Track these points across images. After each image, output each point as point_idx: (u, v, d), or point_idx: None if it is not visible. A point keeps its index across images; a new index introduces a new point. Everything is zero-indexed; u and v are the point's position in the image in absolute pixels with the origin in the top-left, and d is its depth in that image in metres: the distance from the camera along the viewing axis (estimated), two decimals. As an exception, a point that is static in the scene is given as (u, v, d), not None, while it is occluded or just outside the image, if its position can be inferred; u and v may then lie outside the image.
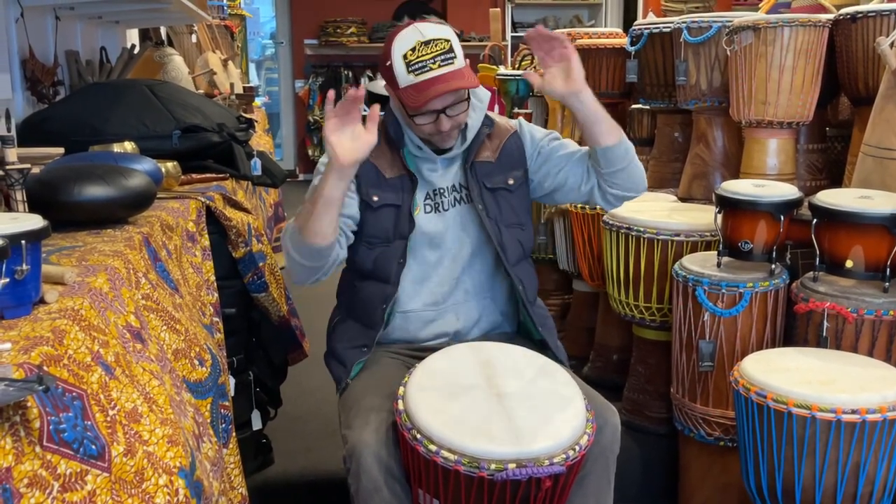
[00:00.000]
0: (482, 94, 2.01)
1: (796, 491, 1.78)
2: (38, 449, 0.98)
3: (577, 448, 1.57)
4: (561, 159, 2.01)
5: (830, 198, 2.03)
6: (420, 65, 1.80)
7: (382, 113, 1.86)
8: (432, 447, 1.54)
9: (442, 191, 1.98)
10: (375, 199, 1.95)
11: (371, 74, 9.56)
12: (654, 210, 2.61)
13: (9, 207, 1.61)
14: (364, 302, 1.98)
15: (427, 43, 1.80)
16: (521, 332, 2.10)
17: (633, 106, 3.51)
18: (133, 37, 4.57)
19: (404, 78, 1.82)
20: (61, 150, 1.94)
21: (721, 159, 2.79)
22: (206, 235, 2.11)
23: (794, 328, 2.13)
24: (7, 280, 1.12)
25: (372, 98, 9.93)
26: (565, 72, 1.84)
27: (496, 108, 4.60)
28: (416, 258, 1.98)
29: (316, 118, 9.70)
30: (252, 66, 9.57)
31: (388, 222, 1.96)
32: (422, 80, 1.80)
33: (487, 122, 2.00)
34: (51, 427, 1.02)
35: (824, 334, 1.97)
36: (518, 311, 2.08)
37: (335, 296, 2.16)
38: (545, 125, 4.52)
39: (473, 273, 2.02)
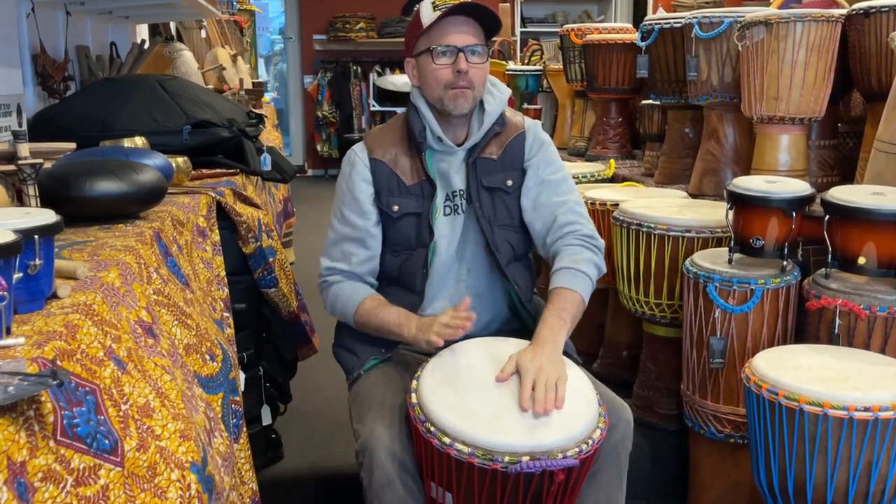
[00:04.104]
0: (502, 87, 2.01)
1: (808, 489, 1.77)
2: (51, 443, 0.98)
3: (591, 442, 1.57)
4: (540, 205, 1.99)
5: (843, 194, 2.02)
6: (445, 3, 1.87)
7: (400, 109, 1.88)
8: (446, 440, 1.55)
9: (461, 192, 1.98)
10: (396, 208, 1.96)
11: (380, 70, 9.57)
12: (665, 206, 2.60)
13: (21, 202, 1.61)
14: None
15: None
16: (530, 328, 2.10)
17: (644, 101, 3.51)
18: (143, 32, 4.58)
19: (429, 16, 1.87)
20: (72, 146, 1.94)
21: (732, 155, 2.78)
22: (217, 231, 2.11)
23: (805, 325, 2.12)
24: (20, 275, 1.12)
25: (382, 94, 9.94)
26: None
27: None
28: (438, 262, 1.98)
29: (324, 114, 9.71)
30: (261, 62, 9.58)
31: (410, 230, 1.96)
32: (445, 7, 1.86)
33: (500, 121, 2.00)
34: (64, 421, 1.02)
35: (836, 331, 1.96)
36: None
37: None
38: (554, 121, 4.52)
39: (483, 274, 2.01)
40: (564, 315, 1.81)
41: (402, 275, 1.97)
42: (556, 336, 1.76)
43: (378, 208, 1.98)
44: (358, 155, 2.00)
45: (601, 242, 1.97)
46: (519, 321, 2.07)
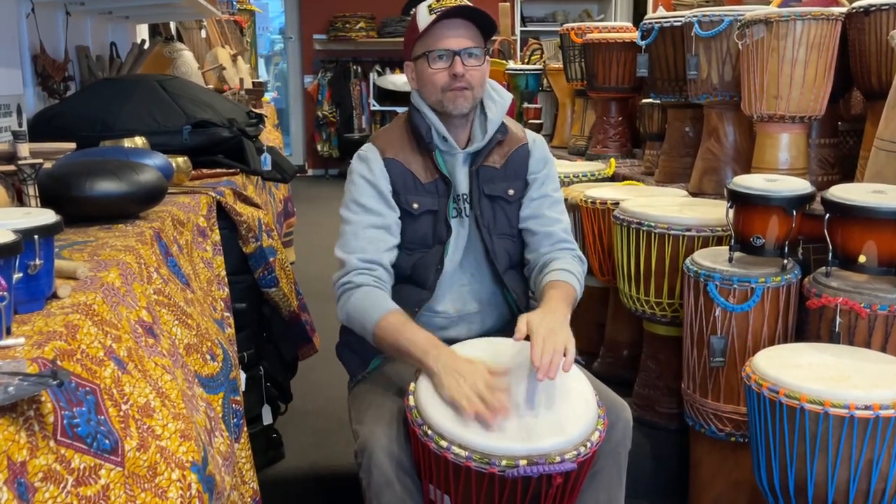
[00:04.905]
0: (503, 93, 2.02)
1: (809, 487, 1.77)
2: (52, 443, 0.98)
3: (589, 445, 1.56)
4: (542, 215, 2.02)
5: (843, 192, 2.01)
6: (440, 6, 1.87)
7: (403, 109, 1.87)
8: (443, 443, 1.54)
9: (465, 196, 1.99)
10: (416, 206, 1.95)
11: (380, 70, 9.56)
12: (665, 205, 2.60)
13: (21, 202, 1.61)
14: (398, 304, 1.94)
15: None
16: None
17: (644, 100, 3.50)
18: (143, 32, 4.58)
19: (425, 20, 1.87)
20: (72, 146, 1.94)
21: (732, 154, 2.78)
22: (217, 230, 2.11)
23: (806, 324, 2.12)
24: (20, 275, 1.12)
25: (382, 93, 9.94)
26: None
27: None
28: (449, 261, 1.97)
29: (325, 113, 9.71)
30: (261, 62, 9.59)
31: (427, 228, 1.96)
32: (440, 10, 1.85)
33: (502, 129, 2.00)
34: (65, 421, 1.02)
35: (837, 330, 1.96)
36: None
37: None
38: (555, 120, 4.52)
39: (485, 280, 2.02)
40: (566, 300, 1.86)
41: (415, 272, 1.97)
42: (562, 307, 1.81)
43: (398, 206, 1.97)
44: (370, 154, 1.97)
45: (586, 266, 2.06)
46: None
